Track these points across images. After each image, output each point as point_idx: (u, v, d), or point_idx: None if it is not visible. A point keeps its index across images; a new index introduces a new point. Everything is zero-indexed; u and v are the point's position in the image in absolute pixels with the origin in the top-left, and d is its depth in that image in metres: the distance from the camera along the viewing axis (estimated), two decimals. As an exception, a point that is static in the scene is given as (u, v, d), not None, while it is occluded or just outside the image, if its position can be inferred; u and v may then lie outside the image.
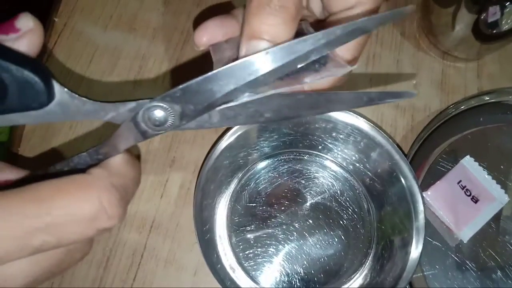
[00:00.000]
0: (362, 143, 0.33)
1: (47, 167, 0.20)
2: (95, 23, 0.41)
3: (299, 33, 0.24)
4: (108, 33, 0.41)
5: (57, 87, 0.19)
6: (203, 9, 0.42)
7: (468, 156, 0.36)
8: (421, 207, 0.31)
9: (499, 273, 0.34)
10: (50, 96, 0.18)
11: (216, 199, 0.35)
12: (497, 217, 0.35)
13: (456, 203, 0.35)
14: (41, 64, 0.18)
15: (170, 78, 0.40)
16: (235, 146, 0.33)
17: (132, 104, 0.20)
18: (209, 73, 0.19)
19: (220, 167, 0.34)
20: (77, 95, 0.19)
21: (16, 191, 0.17)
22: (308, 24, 0.25)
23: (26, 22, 0.18)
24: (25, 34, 0.18)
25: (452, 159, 0.37)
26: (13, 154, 0.37)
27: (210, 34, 0.23)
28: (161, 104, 0.19)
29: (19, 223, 0.16)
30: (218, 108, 0.20)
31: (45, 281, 0.19)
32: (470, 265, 0.34)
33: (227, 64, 0.20)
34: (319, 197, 0.35)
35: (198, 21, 0.41)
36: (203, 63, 0.40)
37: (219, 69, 0.18)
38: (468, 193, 0.35)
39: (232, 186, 0.36)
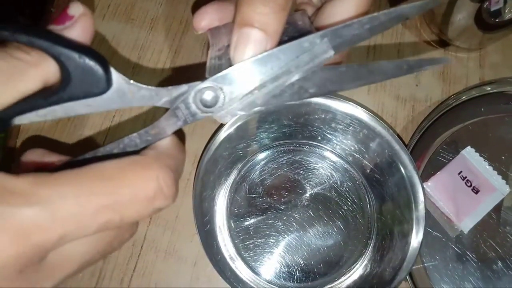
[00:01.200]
0: (361, 133, 0.33)
1: (96, 149, 0.20)
2: (92, 13, 0.40)
3: (293, 23, 0.24)
4: (106, 23, 0.40)
5: (114, 73, 0.19)
6: (202, -1, 0.41)
7: (469, 147, 0.36)
8: (421, 197, 0.31)
9: (499, 263, 0.34)
10: (109, 82, 0.19)
11: (216, 190, 0.35)
12: (497, 208, 0.35)
13: (457, 194, 0.35)
14: (98, 52, 0.19)
15: (169, 68, 0.39)
16: (235, 137, 0.33)
17: (184, 88, 0.20)
18: (260, 55, 0.19)
19: (219, 158, 0.33)
20: (132, 81, 0.20)
21: (82, 170, 0.17)
22: (306, 15, 0.25)
23: (77, 8, 0.19)
24: (79, 19, 0.19)
25: (453, 149, 0.37)
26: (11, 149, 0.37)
27: (208, 19, 0.24)
28: (212, 85, 0.20)
29: (87, 200, 0.16)
30: (264, 88, 0.20)
31: (96, 263, 0.19)
32: (470, 256, 0.34)
33: (222, 48, 0.20)
34: (318, 188, 0.35)
35: (196, 9, 0.41)
36: (202, 52, 0.40)
37: (269, 52, 0.19)
38: (469, 184, 0.35)
39: (232, 177, 0.36)
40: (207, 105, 0.20)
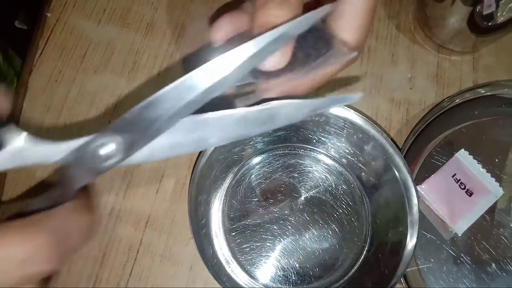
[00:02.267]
0: (355, 136, 0.33)
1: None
2: (88, 18, 0.41)
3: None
4: (102, 28, 0.41)
5: (9, 131, 0.19)
6: (197, 2, 0.41)
7: (462, 150, 0.36)
8: (415, 200, 0.31)
9: (493, 265, 0.34)
10: None
11: (211, 194, 0.35)
12: (491, 210, 0.35)
13: (451, 197, 0.35)
14: None
15: (165, 72, 0.39)
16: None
17: (78, 142, 0.19)
18: (151, 97, 0.18)
19: (215, 163, 0.34)
20: (26, 136, 0.19)
21: None
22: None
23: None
24: None
25: (447, 152, 0.37)
26: None
27: (224, 31, 0.24)
28: (106, 138, 0.19)
29: None
30: (165, 135, 0.20)
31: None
32: (464, 258, 0.35)
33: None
34: (313, 191, 0.35)
35: (193, 14, 0.41)
36: (199, 56, 0.40)
37: (159, 92, 0.18)
38: (463, 187, 0.36)
39: (227, 181, 0.36)
40: (104, 159, 0.19)
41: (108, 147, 0.19)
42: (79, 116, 0.38)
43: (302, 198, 0.35)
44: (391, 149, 0.32)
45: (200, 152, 0.33)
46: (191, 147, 0.20)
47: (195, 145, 0.20)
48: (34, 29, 0.40)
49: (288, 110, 0.20)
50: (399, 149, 0.33)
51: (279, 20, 0.19)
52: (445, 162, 0.36)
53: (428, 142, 0.37)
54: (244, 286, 0.33)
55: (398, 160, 0.32)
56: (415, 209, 0.31)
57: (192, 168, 0.37)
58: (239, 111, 0.20)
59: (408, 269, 0.34)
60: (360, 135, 0.33)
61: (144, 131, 0.19)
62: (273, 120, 0.20)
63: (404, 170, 0.32)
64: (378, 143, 0.32)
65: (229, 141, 0.21)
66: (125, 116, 0.19)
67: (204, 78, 0.18)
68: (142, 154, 0.20)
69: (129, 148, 0.19)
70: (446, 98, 0.39)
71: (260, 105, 0.20)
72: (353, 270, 0.34)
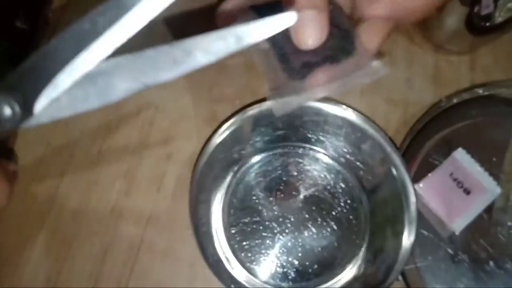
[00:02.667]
0: (353, 135, 0.34)
1: None
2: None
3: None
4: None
5: None
6: None
7: (460, 149, 0.37)
8: (413, 198, 0.32)
9: (491, 264, 0.35)
10: None
11: (212, 193, 0.36)
12: (489, 209, 0.36)
13: (448, 195, 0.36)
14: None
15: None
16: (229, 140, 0.34)
17: None
18: (46, 46, 0.16)
19: (215, 162, 0.34)
20: None
21: None
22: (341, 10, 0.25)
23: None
24: None
25: (445, 151, 0.37)
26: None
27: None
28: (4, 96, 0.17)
29: None
30: (66, 89, 0.17)
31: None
32: (462, 256, 0.35)
33: None
34: (312, 190, 0.36)
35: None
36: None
37: (56, 39, 0.16)
38: (460, 185, 0.36)
39: (228, 180, 0.36)
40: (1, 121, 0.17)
41: (4, 107, 0.17)
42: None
43: (301, 196, 0.35)
44: (389, 148, 0.32)
45: (200, 151, 0.34)
46: (99, 99, 0.18)
47: (103, 97, 0.17)
48: (36, 29, 0.41)
49: (206, 43, 0.17)
50: (397, 148, 0.33)
51: None
52: (443, 161, 0.37)
53: (425, 141, 0.38)
54: (244, 283, 0.33)
55: (396, 159, 0.32)
56: (413, 207, 0.32)
57: (192, 167, 0.37)
58: (147, 52, 0.17)
59: (406, 267, 0.34)
60: (359, 134, 0.33)
61: (43, 86, 0.17)
62: (189, 57, 0.17)
63: (402, 169, 0.32)
64: (376, 142, 0.33)
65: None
66: (18, 70, 0.16)
67: (107, 19, 0.16)
68: (46, 113, 0.17)
69: (28, 108, 0.17)
70: (444, 98, 0.39)
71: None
72: (351, 267, 0.34)
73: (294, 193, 0.36)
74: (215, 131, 0.34)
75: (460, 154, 0.37)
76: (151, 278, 0.34)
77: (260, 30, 0.17)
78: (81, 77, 0.17)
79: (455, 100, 0.38)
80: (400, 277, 0.33)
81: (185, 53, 0.17)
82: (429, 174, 0.36)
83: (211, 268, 0.31)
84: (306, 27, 0.20)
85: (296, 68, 0.23)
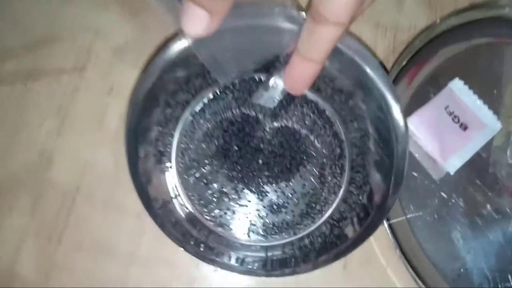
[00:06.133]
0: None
1: None
2: None
3: None
4: None
5: None
6: None
7: (456, 79, 0.32)
8: (402, 130, 0.26)
9: (488, 207, 0.30)
10: None
11: (158, 138, 0.29)
12: (487, 147, 0.31)
13: (443, 131, 0.31)
14: None
15: None
16: (177, 69, 0.27)
17: None
18: None
19: (159, 94, 0.27)
20: None
21: None
22: None
23: None
24: None
25: (439, 82, 0.32)
26: None
27: None
28: None
29: None
30: None
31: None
32: (456, 200, 0.30)
33: None
34: (280, 121, 0.30)
35: None
36: None
37: None
38: (456, 120, 0.31)
39: (180, 119, 0.30)
40: None
41: None
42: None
43: (268, 130, 0.30)
44: (368, 68, 0.26)
45: (140, 81, 0.27)
46: None
47: None
48: None
49: None
50: (385, 69, 0.27)
51: None
52: (437, 94, 0.32)
53: (417, 71, 0.32)
54: (196, 235, 0.28)
55: (383, 85, 0.26)
56: (403, 141, 0.26)
57: (126, 102, 0.30)
58: None
59: (394, 220, 0.29)
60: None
61: None
62: None
63: (391, 98, 0.26)
64: (356, 58, 0.26)
65: None
66: None
67: None
68: None
69: None
70: (438, 19, 0.33)
71: None
72: (331, 212, 0.29)
73: (258, 129, 0.30)
74: (157, 57, 0.26)
75: (456, 85, 0.31)
76: (89, 232, 0.28)
77: None
78: None
79: (451, 22, 0.32)
80: (388, 231, 0.29)
81: None
82: (421, 107, 0.31)
83: (157, 220, 0.25)
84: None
85: None
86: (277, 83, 0.23)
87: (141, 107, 0.26)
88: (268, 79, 0.23)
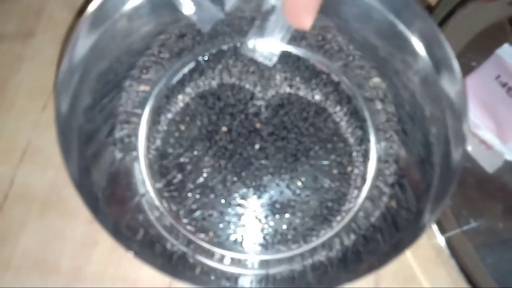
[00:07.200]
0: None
1: None
2: None
3: None
4: None
5: None
6: None
7: (506, 45, 0.25)
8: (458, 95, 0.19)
9: None
10: None
11: (120, 114, 0.22)
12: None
13: (496, 106, 0.24)
14: None
15: None
16: (147, 16, 0.20)
17: None
18: None
19: (114, 54, 0.20)
20: None
21: None
22: None
23: None
24: None
25: (484, 49, 0.25)
26: None
27: None
28: None
29: None
30: None
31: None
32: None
33: None
34: (277, 99, 0.23)
35: None
36: None
37: None
38: (511, 93, 0.24)
39: (152, 95, 0.23)
40: None
41: None
42: None
43: (263, 109, 0.22)
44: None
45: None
46: None
47: None
48: None
49: None
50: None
51: None
52: (483, 62, 0.25)
53: (458, 36, 0.26)
54: (170, 246, 0.20)
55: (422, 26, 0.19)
56: (461, 114, 0.19)
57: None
58: None
59: (448, 234, 0.22)
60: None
61: None
62: None
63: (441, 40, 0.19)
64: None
65: None
66: None
67: None
68: None
69: None
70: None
71: None
72: (354, 214, 0.22)
73: (252, 107, 0.23)
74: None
75: (506, 52, 0.25)
76: (23, 240, 0.21)
77: None
78: None
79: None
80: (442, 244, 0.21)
81: None
82: (467, 76, 0.24)
83: (108, 226, 0.17)
84: None
85: None
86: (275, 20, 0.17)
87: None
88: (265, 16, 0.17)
